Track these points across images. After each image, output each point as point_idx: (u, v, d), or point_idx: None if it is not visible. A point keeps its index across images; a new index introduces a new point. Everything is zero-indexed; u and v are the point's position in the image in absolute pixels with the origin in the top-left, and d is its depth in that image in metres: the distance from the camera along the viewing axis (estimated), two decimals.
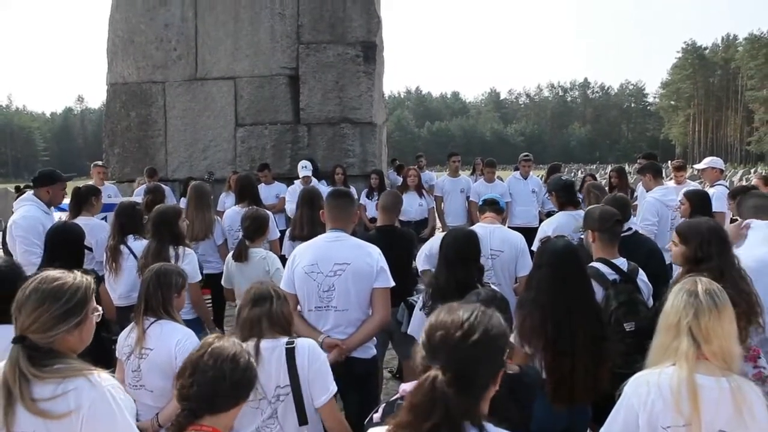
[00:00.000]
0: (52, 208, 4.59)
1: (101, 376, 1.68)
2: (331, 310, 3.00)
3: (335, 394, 2.42)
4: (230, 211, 5.23)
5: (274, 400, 2.31)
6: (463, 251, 3.06)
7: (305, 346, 2.36)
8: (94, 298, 1.79)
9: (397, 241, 4.17)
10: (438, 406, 1.23)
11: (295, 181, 7.34)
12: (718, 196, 5.49)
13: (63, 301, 1.68)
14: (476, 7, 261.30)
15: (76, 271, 1.80)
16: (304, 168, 7.24)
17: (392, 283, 3.14)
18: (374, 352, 3.25)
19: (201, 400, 1.71)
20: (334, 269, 2.99)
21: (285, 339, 2.35)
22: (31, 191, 4.45)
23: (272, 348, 2.32)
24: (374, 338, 3.25)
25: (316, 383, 2.33)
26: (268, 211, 5.04)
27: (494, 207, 4.05)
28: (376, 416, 1.98)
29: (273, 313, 2.37)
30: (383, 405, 1.99)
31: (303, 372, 2.31)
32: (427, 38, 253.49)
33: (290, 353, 2.31)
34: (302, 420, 2.32)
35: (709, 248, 2.65)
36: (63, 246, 3.49)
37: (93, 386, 1.63)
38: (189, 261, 3.79)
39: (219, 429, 1.73)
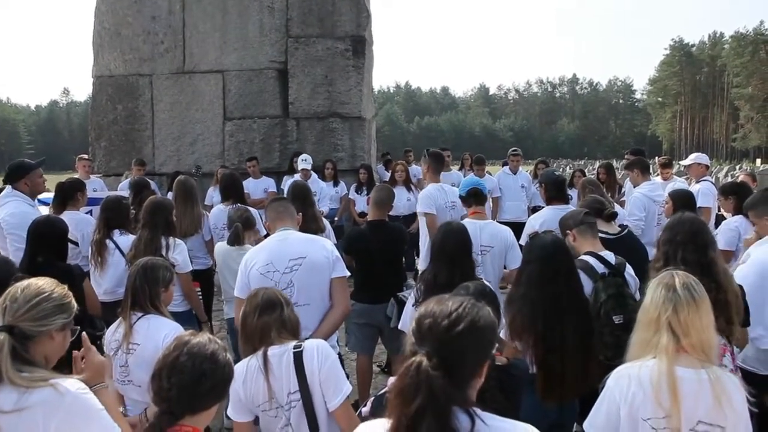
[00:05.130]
0: (36, 200, 4.52)
1: (67, 382, 1.65)
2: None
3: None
4: (216, 210, 5.19)
5: (287, 407, 2.22)
6: (461, 247, 3.05)
7: (313, 347, 2.24)
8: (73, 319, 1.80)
9: (388, 236, 4.18)
10: (423, 387, 1.24)
11: (295, 175, 7.30)
12: (704, 191, 5.56)
13: (58, 297, 1.75)
14: (466, 2, 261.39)
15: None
16: (303, 161, 7.20)
17: (348, 273, 3.13)
18: (338, 349, 3.22)
19: (181, 402, 1.66)
20: (290, 265, 2.96)
21: (293, 343, 2.25)
22: (9, 187, 4.35)
23: (280, 354, 2.22)
24: (337, 334, 3.22)
25: (328, 385, 2.21)
26: (254, 209, 5.03)
27: (479, 198, 4.01)
28: (365, 410, 1.99)
29: (285, 320, 2.28)
30: (371, 399, 1.99)
31: (313, 375, 2.19)
32: (417, 33, 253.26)
33: (298, 357, 2.20)
34: (313, 427, 2.21)
35: (659, 236, 2.79)
36: (45, 240, 3.43)
37: (62, 395, 1.60)
38: (180, 251, 3.79)
39: (199, 428, 1.70)
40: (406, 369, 1.29)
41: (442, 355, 1.28)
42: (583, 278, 2.89)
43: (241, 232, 3.99)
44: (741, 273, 3.01)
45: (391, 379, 1.83)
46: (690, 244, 2.64)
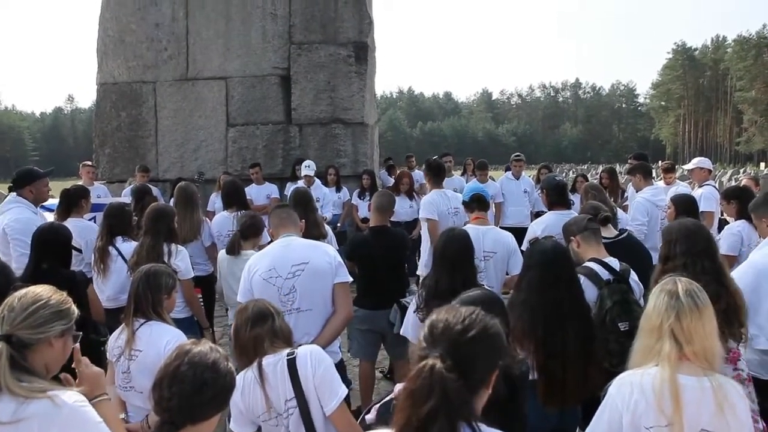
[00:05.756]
0: (39, 207, 4.53)
1: (66, 394, 1.62)
2: (294, 312, 2.93)
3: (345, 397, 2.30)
4: (219, 217, 5.19)
5: (285, 415, 2.22)
6: (462, 253, 3.05)
7: (306, 353, 2.25)
8: (74, 325, 1.79)
9: (390, 242, 4.18)
10: (436, 390, 1.24)
11: (298, 182, 7.32)
12: (707, 196, 5.55)
13: (56, 303, 1.73)
14: (468, 7, 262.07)
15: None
16: (307, 167, 7.22)
17: (350, 278, 3.13)
18: (340, 356, 3.22)
19: (182, 411, 1.64)
20: (292, 270, 2.96)
21: (287, 351, 2.26)
22: (14, 194, 4.37)
23: (275, 363, 2.23)
24: (339, 340, 3.22)
25: (323, 390, 2.21)
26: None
27: (482, 204, 4.03)
28: (369, 417, 1.97)
29: (276, 330, 2.30)
30: (377, 406, 1.98)
31: (307, 381, 2.20)
32: (420, 38, 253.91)
33: (292, 364, 2.21)
34: None
35: (674, 247, 2.71)
36: (49, 247, 3.45)
37: (59, 407, 1.58)
38: (182, 258, 3.81)
39: None
40: (418, 371, 1.28)
41: (455, 358, 1.29)
42: (588, 285, 2.88)
43: (238, 240, 4.00)
44: (738, 274, 3.03)
45: (399, 386, 1.83)
46: (703, 253, 2.66)
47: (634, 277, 3.08)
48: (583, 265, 3.04)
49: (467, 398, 1.28)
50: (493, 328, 1.39)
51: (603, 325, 2.81)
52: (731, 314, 2.54)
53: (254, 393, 2.24)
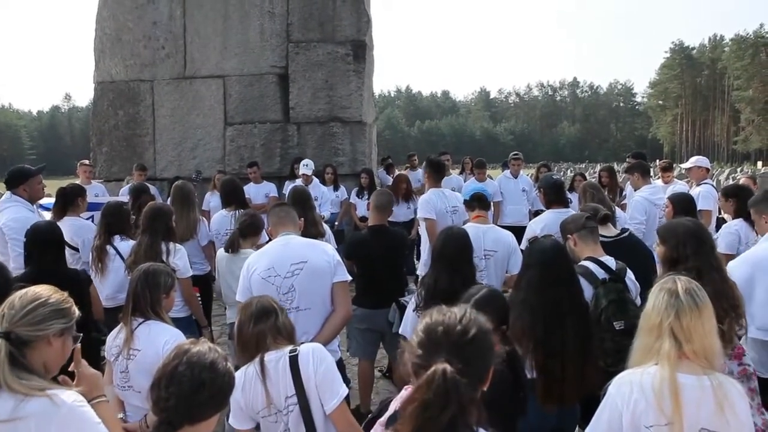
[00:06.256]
0: (38, 207, 4.52)
1: (65, 394, 1.62)
2: (293, 311, 2.92)
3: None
4: (218, 215, 5.17)
5: (285, 412, 2.23)
6: (461, 251, 3.06)
7: (308, 351, 2.26)
8: (74, 325, 1.78)
9: (390, 242, 4.18)
10: (453, 397, 1.22)
11: (296, 180, 7.32)
12: (705, 194, 5.57)
13: (55, 302, 1.74)
14: (466, 6, 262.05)
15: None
16: (305, 166, 7.22)
17: (349, 277, 3.14)
18: (339, 354, 3.22)
19: (179, 412, 1.63)
20: (291, 269, 2.96)
21: (289, 348, 2.27)
22: (9, 193, 4.35)
23: (276, 359, 2.24)
24: (338, 339, 3.22)
25: (324, 388, 2.22)
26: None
27: (483, 203, 4.05)
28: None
29: (280, 327, 2.30)
30: (382, 420, 1.95)
31: (309, 379, 2.21)
32: (418, 37, 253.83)
33: (294, 361, 2.22)
34: (310, 431, 2.22)
35: (684, 249, 2.69)
36: (48, 245, 3.44)
37: (58, 406, 1.58)
38: (180, 256, 3.80)
39: None
40: (429, 379, 1.25)
41: (460, 360, 1.28)
42: (584, 284, 2.88)
43: (236, 238, 3.99)
44: (734, 263, 3.07)
45: (404, 394, 1.80)
46: (711, 252, 2.68)
47: (630, 276, 3.08)
48: (579, 264, 3.04)
49: (477, 401, 1.27)
50: (485, 325, 1.39)
51: (598, 324, 2.82)
52: (736, 309, 2.57)
53: (255, 388, 2.25)
